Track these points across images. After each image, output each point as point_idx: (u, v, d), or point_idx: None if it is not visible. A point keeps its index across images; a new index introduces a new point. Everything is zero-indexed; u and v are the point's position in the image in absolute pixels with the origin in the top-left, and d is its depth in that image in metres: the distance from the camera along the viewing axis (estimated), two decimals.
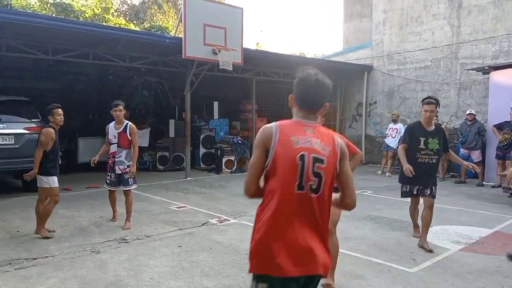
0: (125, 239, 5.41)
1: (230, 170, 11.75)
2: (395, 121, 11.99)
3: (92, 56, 9.61)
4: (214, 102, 13.33)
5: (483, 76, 11.23)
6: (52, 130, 5.52)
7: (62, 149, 11.09)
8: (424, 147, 5.18)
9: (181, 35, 9.89)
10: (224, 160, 11.74)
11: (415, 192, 5.40)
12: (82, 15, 18.56)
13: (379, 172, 12.01)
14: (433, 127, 5.28)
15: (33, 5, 17.96)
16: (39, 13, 15.13)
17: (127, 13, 25.76)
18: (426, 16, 12.76)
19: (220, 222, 6.44)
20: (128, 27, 17.52)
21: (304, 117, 2.17)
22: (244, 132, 13.11)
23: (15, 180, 9.23)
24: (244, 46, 10.81)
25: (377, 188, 9.52)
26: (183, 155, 11.68)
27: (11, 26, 7.96)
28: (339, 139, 2.18)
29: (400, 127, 11.83)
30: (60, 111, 5.60)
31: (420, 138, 5.20)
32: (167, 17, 25.21)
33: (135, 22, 23.24)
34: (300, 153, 2.04)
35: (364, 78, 14.31)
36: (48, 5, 18.28)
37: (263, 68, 12.39)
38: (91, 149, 11.50)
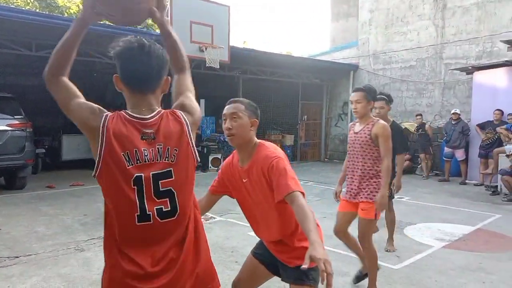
0: None
1: (216, 168, 11.72)
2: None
3: (76, 53, 9.46)
4: (201, 99, 13.25)
5: (467, 76, 11.40)
6: None
7: (46, 146, 11.03)
8: None
9: None
10: (210, 158, 11.72)
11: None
12: (67, 11, 18.30)
13: None
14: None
15: (16, 0, 17.65)
16: (23, 8, 14.88)
17: None
18: (412, 16, 12.89)
19: (206, 220, 6.42)
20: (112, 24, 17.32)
21: (138, 104, 1.65)
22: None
23: None
24: (231, 44, 10.79)
25: None
26: None
27: None
28: (189, 120, 1.71)
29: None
30: None
31: None
32: None
33: None
34: (135, 176, 1.56)
35: (350, 77, 14.40)
36: (32, 0, 17.98)
37: (250, 66, 12.39)
38: (76, 146, 11.39)
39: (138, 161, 1.56)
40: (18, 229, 5.68)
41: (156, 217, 1.58)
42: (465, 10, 11.72)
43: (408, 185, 9.98)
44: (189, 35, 9.84)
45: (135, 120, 1.61)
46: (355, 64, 14.36)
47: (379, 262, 4.68)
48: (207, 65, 10.11)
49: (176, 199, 1.62)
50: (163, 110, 1.70)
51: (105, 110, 1.65)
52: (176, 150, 1.62)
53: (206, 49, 10.03)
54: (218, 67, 10.33)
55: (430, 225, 6.37)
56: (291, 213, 2.07)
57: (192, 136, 1.68)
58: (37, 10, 15.93)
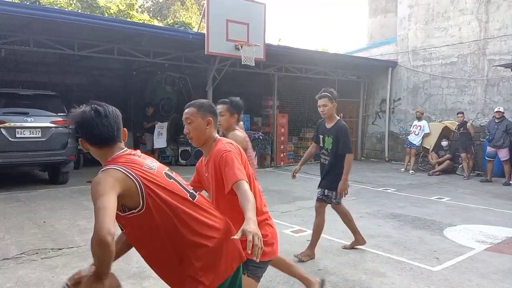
0: None
1: None
2: (419, 118, 11.80)
3: (116, 52, 9.75)
4: (236, 98, 13.34)
5: None
6: None
7: None
8: (322, 145, 4.73)
9: (204, 31, 9.94)
10: None
11: (318, 196, 4.86)
12: (107, 11, 18.83)
13: (402, 169, 11.84)
14: (332, 123, 4.62)
15: (59, 1, 18.32)
16: (66, 9, 15.44)
17: (151, 9, 26.02)
18: (453, 11, 12.46)
19: None
20: (152, 23, 17.70)
21: (105, 154, 1.96)
22: (265, 128, 13.09)
23: (41, 172, 9.48)
24: (266, 41, 10.79)
25: (400, 186, 9.39)
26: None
27: (39, 22, 8.16)
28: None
29: (424, 125, 11.65)
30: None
31: (320, 135, 4.74)
32: (190, 13, 25.35)
33: (158, 18, 23.47)
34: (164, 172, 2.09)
35: (388, 74, 14.09)
36: (74, 1, 18.62)
37: (285, 64, 12.35)
38: None
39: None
40: (61, 222, 5.91)
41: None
42: (511, 4, 11.21)
43: (449, 186, 9.69)
44: (225, 33, 9.91)
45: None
46: (394, 61, 14.04)
47: (416, 264, 4.59)
48: (242, 63, 10.16)
49: None
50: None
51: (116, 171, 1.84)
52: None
53: (241, 47, 10.07)
54: (254, 64, 10.36)
55: (471, 227, 6.15)
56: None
57: None
58: (79, 11, 16.49)
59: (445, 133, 11.81)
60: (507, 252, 5.03)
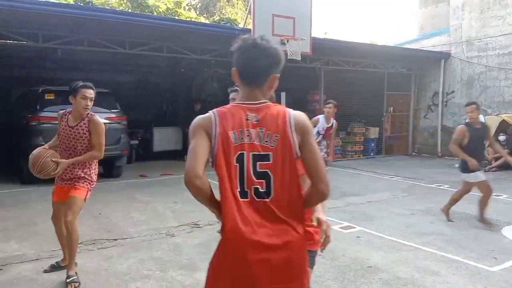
0: (198, 224, 5.60)
1: None
2: None
3: (165, 49, 9.98)
4: (282, 92, 13.27)
5: None
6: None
7: (139, 138, 11.80)
8: None
9: (250, 27, 9.97)
10: None
11: None
12: (156, 9, 19.31)
13: (456, 165, 11.31)
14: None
15: (111, 1, 18.99)
16: (117, 9, 15.99)
17: (198, 6, 26.42)
18: None
19: None
20: (199, 21, 17.98)
21: (248, 96, 1.81)
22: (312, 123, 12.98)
23: None
24: (312, 35, 10.66)
25: (454, 182, 8.98)
26: None
27: (92, 22, 8.50)
28: (295, 117, 1.76)
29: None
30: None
31: None
32: (235, 9, 25.50)
33: (205, 15, 23.78)
34: (238, 153, 1.72)
35: (441, 66, 13.53)
36: (125, 0, 19.23)
37: (332, 57, 12.15)
38: (166, 138, 12.06)
39: (242, 140, 1.73)
40: (115, 215, 6.16)
41: (253, 195, 1.71)
42: None
43: (507, 182, 9.20)
44: (271, 28, 9.88)
45: (243, 104, 1.80)
46: (447, 52, 13.45)
47: (472, 263, 4.39)
48: (288, 57, 10.09)
49: (272, 183, 1.72)
50: (271, 103, 1.82)
51: (209, 115, 1.81)
52: (277, 137, 1.72)
53: (287, 41, 10.01)
54: (300, 59, 10.27)
55: None
56: None
57: (293, 135, 1.73)
58: (129, 10, 17.03)
59: (503, 127, 11.20)
60: None
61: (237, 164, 1.72)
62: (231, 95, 4.08)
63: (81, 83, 3.84)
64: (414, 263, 4.38)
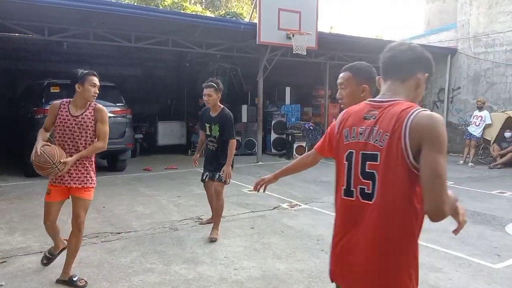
0: (201, 219, 5.62)
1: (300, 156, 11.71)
2: (480, 108, 11.18)
3: (171, 43, 9.98)
4: (286, 87, 13.29)
5: None
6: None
7: (143, 132, 11.84)
8: (209, 133, 4.98)
9: (256, 21, 9.94)
10: (295, 146, 11.71)
11: (203, 178, 5.13)
12: (162, 3, 19.29)
13: (461, 162, 11.31)
14: (217, 112, 4.94)
15: None
16: (123, 2, 15.98)
17: (203, 0, 26.35)
18: None
19: (292, 207, 6.47)
20: (205, 14, 17.95)
21: (384, 91, 1.76)
22: (316, 118, 12.95)
23: (101, 159, 9.93)
24: (318, 29, 10.62)
25: (458, 179, 8.98)
26: (254, 140, 11.82)
27: (98, 16, 8.51)
28: (415, 119, 1.55)
29: (485, 115, 11.03)
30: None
31: (206, 124, 5.01)
32: (241, 3, 25.43)
33: (211, 9, 23.72)
34: (348, 151, 1.73)
35: (447, 62, 13.43)
36: None
37: (337, 52, 12.10)
38: (170, 132, 12.08)
39: (353, 138, 1.73)
40: (119, 208, 6.19)
41: (358, 195, 1.70)
42: None
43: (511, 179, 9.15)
44: (277, 22, 9.86)
45: (371, 102, 1.76)
46: (453, 48, 13.35)
47: (475, 260, 4.38)
48: (294, 52, 10.07)
49: (376, 185, 1.64)
50: (402, 101, 1.67)
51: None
52: (387, 136, 1.61)
53: (293, 36, 9.98)
54: (305, 53, 10.23)
55: None
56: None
57: (406, 138, 1.55)
58: (135, 4, 17.02)
59: (509, 124, 11.12)
60: None
61: (346, 162, 1.73)
62: (204, 91, 4.81)
63: (87, 71, 3.66)
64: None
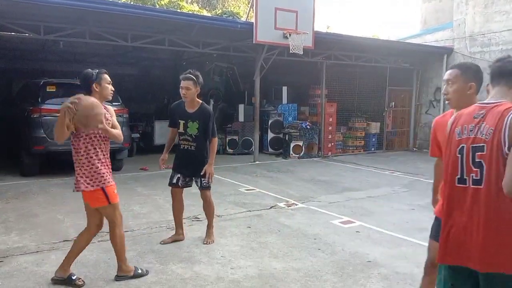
0: (198, 218, 5.62)
1: (297, 155, 11.72)
2: None
3: (167, 43, 9.97)
4: (283, 87, 13.29)
5: None
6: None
7: (140, 131, 11.81)
8: (183, 131, 4.48)
9: (252, 20, 9.94)
10: (292, 145, 11.72)
11: (174, 181, 4.61)
12: (158, 2, 19.25)
13: None
14: (196, 108, 4.45)
15: None
16: (119, 1, 15.94)
17: None
18: None
19: (288, 206, 6.47)
20: (202, 14, 17.92)
21: (492, 95, 2.11)
22: (313, 117, 12.95)
23: None
24: (315, 29, 10.63)
25: None
26: (251, 139, 11.82)
27: (94, 14, 8.48)
28: None
29: None
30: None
31: (180, 120, 4.47)
32: (238, 2, 25.40)
33: (207, 8, 23.69)
34: (460, 146, 2.07)
35: (443, 61, 13.46)
36: None
37: (334, 52, 12.11)
38: (167, 131, 12.05)
39: (464, 134, 2.06)
40: None
41: (470, 182, 2.01)
42: None
43: None
44: (274, 22, 9.86)
45: (480, 104, 2.12)
46: (449, 47, 13.39)
47: None
48: (290, 51, 10.08)
49: (484, 172, 1.95)
50: (506, 102, 2.01)
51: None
52: (492, 130, 1.94)
53: (290, 35, 9.98)
54: (302, 53, 10.25)
55: None
56: None
57: (506, 132, 1.89)
58: (132, 3, 16.97)
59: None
60: None
61: (459, 155, 2.05)
62: (182, 83, 4.40)
63: (98, 69, 3.66)
64: (414, 258, 4.38)
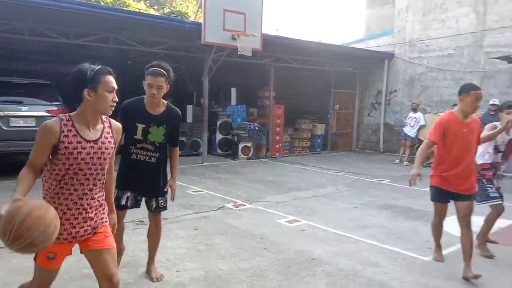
0: (143, 221, 5.49)
1: (246, 156, 11.79)
2: (414, 110, 11.81)
3: (112, 41, 9.68)
4: (232, 88, 13.32)
5: (509, 65, 10.93)
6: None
7: None
8: (142, 137, 3.53)
9: (201, 21, 9.88)
10: (240, 146, 11.77)
11: (123, 202, 3.59)
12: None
13: (397, 161, 11.89)
14: (162, 109, 3.57)
15: None
16: None
17: None
18: (451, 3, 12.43)
19: (236, 207, 6.49)
20: (149, 12, 17.56)
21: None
22: (261, 119, 13.07)
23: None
24: (263, 31, 10.75)
25: (394, 177, 9.44)
26: (200, 141, 11.75)
27: (34, 10, 8.07)
28: None
29: (420, 116, 11.67)
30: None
31: (139, 124, 3.53)
32: (187, 2, 25.13)
33: (155, 7, 23.25)
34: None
35: (385, 65, 14.08)
36: None
37: (282, 54, 12.30)
38: None
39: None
40: None
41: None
42: None
43: None
44: (222, 23, 9.86)
45: None
46: (391, 52, 14.01)
47: (409, 254, 4.63)
48: (239, 53, 10.12)
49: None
50: None
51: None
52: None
53: (238, 37, 10.03)
54: (250, 55, 10.32)
55: None
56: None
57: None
58: None
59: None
60: (499, 242, 5.07)
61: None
62: (150, 80, 3.43)
63: (99, 67, 2.36)
64: (356, 255, 4.55)
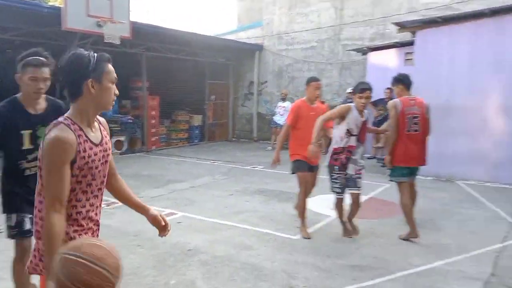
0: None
1: (119, 151, 11.27)
2: (283, 100, 12.50)
3: None
4: None
5: (362, 56, 12.16)
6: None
7: None
8: (30, 147, 2.81)
9: (62, 5, 9.08)
10: (113, 141, 11.21)
11: (27, 227, 2.93)
12: None
13: (269, 148, 12.49)
14: (43, 108, 2.89)
15: None
16: None
17: None
18: None
19: (108, 205, 6.17)
20: None
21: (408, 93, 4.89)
22: (135, 111, 12.60)
23: None
24: (133, 19, 10.32)
25: (267, 163, 9.82)
26: None
27: None
28: None
29: (288, 105, 12.38)
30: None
31: (23, 131, 2.80)
32: None
33: None
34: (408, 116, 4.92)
35: (255, 57, 14.60)
36: None
37: (154, 44, 11.95)
38: None
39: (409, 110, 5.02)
40: None
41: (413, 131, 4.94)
42: None
43: None
44: (85, 8, 9.19)
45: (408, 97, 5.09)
46: (260, 44, 14.56)
47: (280, 234, 4.93)
48: (105, 41, 9.56)
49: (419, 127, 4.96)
50: None
51: None
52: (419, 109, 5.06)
53: (105, 23, 9.46)
54: (119, 42, 9.82)
55: (326, 196, 6.74)
56: None
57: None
58: None
59: None
60: (357, 217, 5.65)
61: (407, 120, 4.89)
62: (34, 73, 2.83)
63: (99, 54, 2.02)
64: (231, 241, 4.69)
